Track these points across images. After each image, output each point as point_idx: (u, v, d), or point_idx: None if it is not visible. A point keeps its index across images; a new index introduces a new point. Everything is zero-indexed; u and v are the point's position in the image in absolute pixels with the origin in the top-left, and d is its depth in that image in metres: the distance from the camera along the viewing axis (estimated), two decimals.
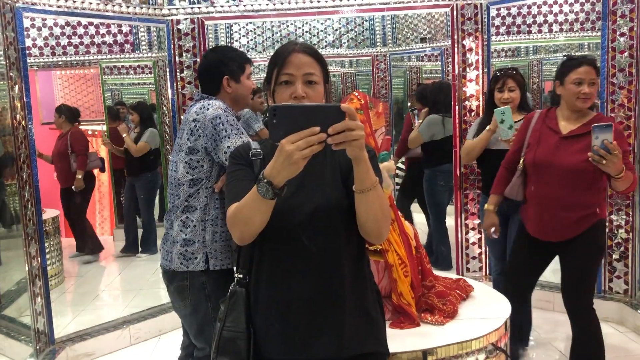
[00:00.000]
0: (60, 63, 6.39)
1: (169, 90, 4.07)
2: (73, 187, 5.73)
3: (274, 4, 3.99)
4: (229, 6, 3.99)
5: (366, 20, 7.04)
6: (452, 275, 2.63)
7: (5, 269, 4.53)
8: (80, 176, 5.73)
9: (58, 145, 5.85)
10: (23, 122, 3.28)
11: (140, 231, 6.15)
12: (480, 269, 4.30)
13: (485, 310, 2.32)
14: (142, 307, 4.15)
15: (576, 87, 2.57)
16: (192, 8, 3.95)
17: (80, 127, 6.02)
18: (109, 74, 7.69)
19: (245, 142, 1.79)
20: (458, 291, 2.38)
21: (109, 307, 4.70)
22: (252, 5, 4.00)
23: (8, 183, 4.42)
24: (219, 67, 2.31)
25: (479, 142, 3.29)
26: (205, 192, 2.21)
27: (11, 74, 3.25)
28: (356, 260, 1.52)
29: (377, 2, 4.00)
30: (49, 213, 4.99)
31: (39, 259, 3.33)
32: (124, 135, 5.82)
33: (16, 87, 3.25)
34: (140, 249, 6.08)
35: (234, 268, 2.24)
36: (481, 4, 4.05)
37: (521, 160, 2.76)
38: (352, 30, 7.15)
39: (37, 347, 3.37)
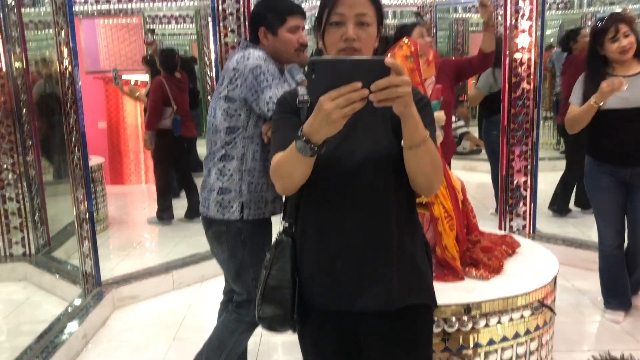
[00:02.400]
0: (103, 11, 6.40)
1: (212, 38, 4.02)
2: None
3: None
4: None
5: None
6: (497, 231, 2.58)
7: (54, 212, 4.67)
8: (146, 137, 5.22)
9: None
10: (70, 68, 3.30)
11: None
12: (524, 227, 4.22)
13: (532, 267, 2.27)
14: (185, 254, 4.23)
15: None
16: None
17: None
18: (151, 23, 7.68)
19: (293, 88, 1.73)
20: (504, 247, 2.34)
21: (151, 253, 4.82)
22: None
23: None
24: (255, 17, 2.22)
25: (586, 114, 2.87)
26: (242, 141, 2.18)
27: (57, 19, 3.26)
28: (406, 211, 1.47)
29: None
30: (93, 160, 5.07)
31: (85, 203, 3.41)
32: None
33: (62, 32, 3.26)
34: None
35: (270, 217, 2.26)
36: None
37: None
38: None
39: (85, 288, 3.50)
